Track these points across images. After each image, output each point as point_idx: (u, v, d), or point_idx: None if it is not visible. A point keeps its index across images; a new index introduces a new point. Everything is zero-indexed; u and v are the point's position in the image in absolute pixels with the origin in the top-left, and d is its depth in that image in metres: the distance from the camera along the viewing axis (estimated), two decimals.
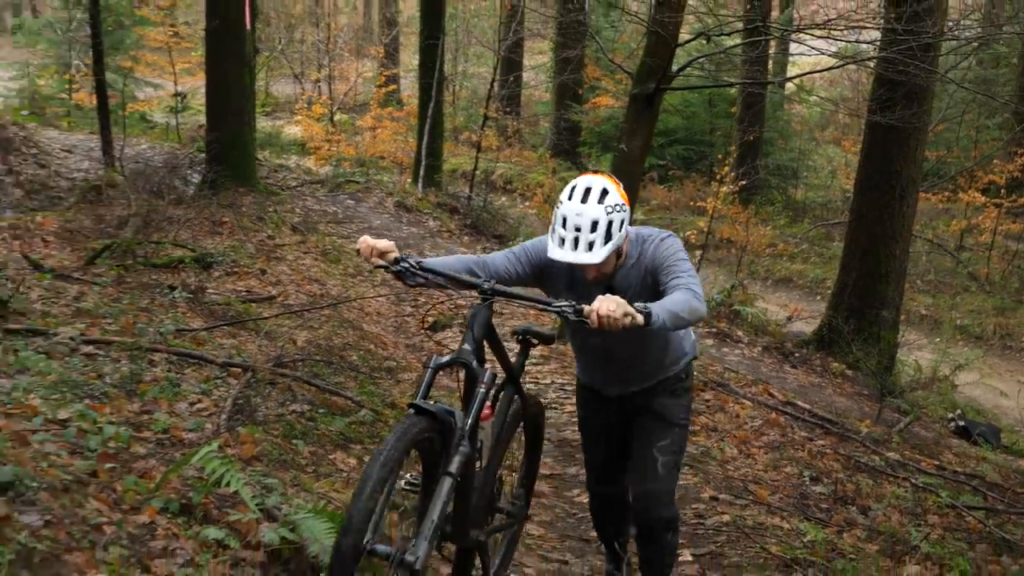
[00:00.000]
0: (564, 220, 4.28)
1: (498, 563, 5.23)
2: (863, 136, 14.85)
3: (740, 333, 14.39)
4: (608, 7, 23.60)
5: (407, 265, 4.31)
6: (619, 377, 4.97)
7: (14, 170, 18.10)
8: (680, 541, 6.73)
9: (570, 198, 4.33)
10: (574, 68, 26.01)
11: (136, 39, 30.23)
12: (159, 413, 6.18)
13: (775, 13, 27.09)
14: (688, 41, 12.17)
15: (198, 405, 6.83)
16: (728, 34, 14.71)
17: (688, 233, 21.13)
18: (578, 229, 4.23)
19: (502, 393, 4.80)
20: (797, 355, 13.87)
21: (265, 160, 22.64)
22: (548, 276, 4.76)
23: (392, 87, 34.16)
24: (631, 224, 4.74)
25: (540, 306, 4.21)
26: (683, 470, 7.96)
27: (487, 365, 4.19)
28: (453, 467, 3.81)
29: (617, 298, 3.86)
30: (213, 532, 4.73)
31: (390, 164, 26.94)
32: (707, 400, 10.30)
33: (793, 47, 24.43)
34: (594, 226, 4.22)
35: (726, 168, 19.41)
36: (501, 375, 4.71)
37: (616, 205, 4.30)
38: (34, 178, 17.73)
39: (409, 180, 23.43)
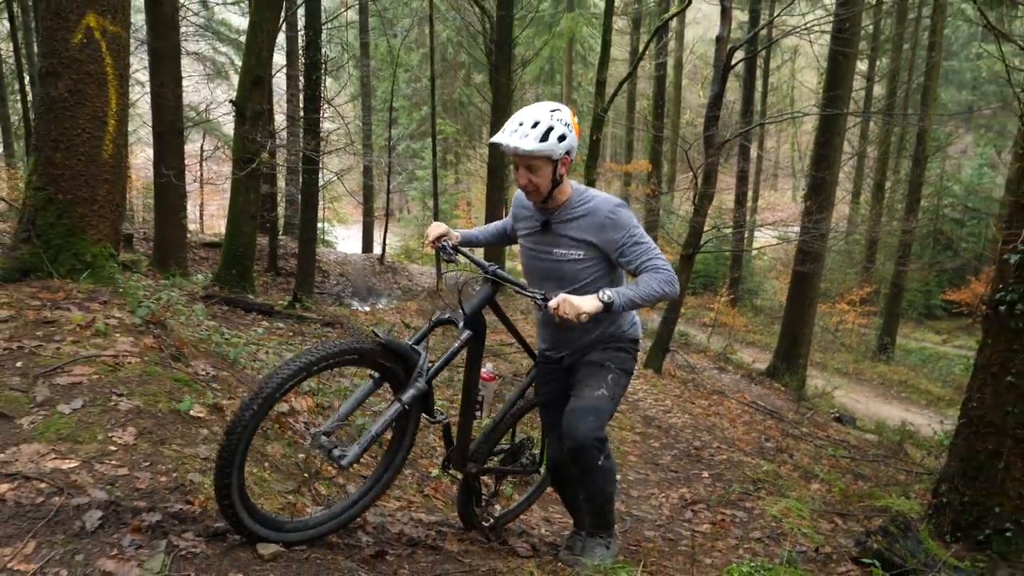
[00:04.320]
0: (514, 117, 2.60)
1: (515, 507, 3.56)
2: (791, 277, 14.36)
3: (729, 368, 13.94)
4: (668, 214, 23.36)
5: (443, 245, 2.94)
6: (567, 339, 2.92)
7: (397, 282, 18.87)
8: (700, 467, 6.53)
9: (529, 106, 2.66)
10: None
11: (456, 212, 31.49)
12: None
13: (748, 216, 26.42)
14: (707, 230, 12.00)
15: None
16: (727, 227, 14.54)
17: (703, 319, 20.70)
18: (520, 124, 2.54)
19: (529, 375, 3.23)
20: (757, 379, 13.38)
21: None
22: (517, 217, 2.94)
23: None
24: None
25: (518, 290, 2.66)
26: (702, 435, 7.76)
27: (467, 332, 2.73)
28: (404, 396, 2.45)
29: (574, 301, 2.42)
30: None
31: None
32: (714, 398, 10.03)
33: (757, 233, 23.85)
34: (534, 124, 2.54)
35: (723, 289, 19.11)
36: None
37: (563, 120, 2.57)
38: (405, 285, 18.43)
39: None
